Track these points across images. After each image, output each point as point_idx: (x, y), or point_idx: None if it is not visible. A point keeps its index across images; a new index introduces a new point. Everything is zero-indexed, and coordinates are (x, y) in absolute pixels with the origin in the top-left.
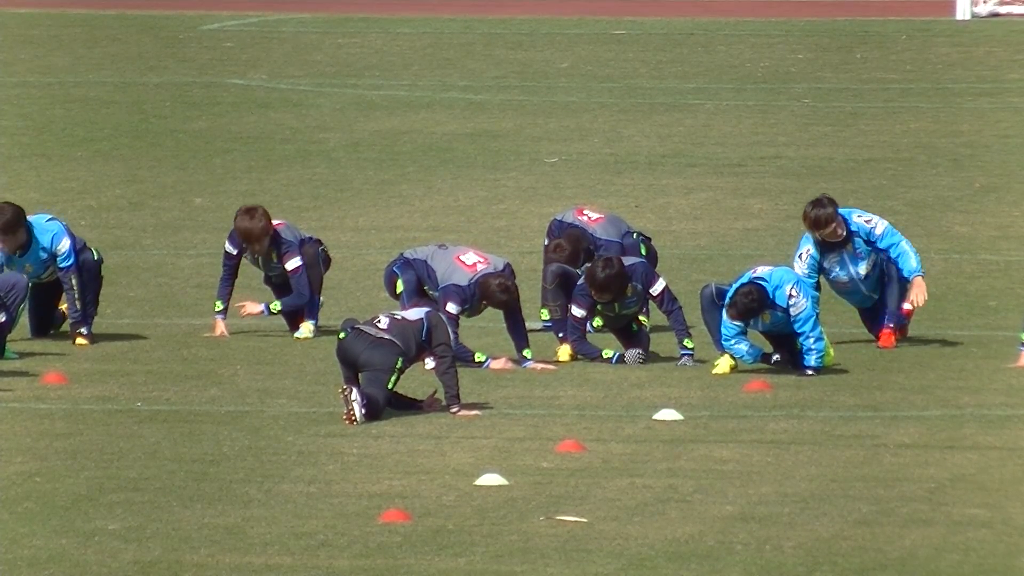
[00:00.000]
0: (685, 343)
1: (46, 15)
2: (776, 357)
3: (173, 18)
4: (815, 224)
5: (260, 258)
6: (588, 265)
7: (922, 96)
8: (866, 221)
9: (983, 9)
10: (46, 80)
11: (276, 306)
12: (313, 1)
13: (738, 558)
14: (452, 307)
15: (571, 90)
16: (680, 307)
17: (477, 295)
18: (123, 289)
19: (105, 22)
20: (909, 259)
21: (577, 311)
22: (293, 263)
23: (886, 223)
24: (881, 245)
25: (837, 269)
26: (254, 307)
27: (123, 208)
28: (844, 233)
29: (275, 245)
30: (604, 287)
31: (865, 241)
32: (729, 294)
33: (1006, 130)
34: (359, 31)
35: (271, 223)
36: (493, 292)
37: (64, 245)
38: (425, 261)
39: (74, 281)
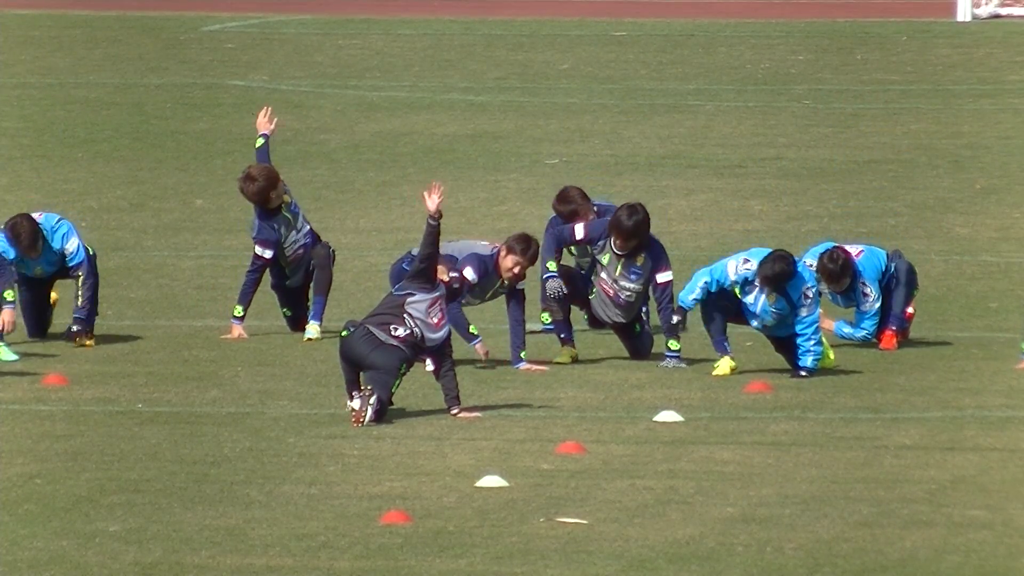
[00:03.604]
0: (671, 344)
1: (47, 16)
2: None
3: (174, 19)
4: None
5: (282, 226)
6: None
7: (923, 97)
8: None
9: (984, 11)
10: (47, 81)
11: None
12: (314, 2)
13: (739, 560)
14: (470, 273)
15: (572, 91)
16: (672, 308)
17: (493, 269)
18: (124, 290)
19: (106, 23)
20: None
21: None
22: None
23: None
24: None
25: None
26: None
27: (124, 209)
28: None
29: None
30: (631, 233)
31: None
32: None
33: (1007, 131)
34: (360, 32)
35: (274, 172)
36: (508, 264)
37: (72, 244)
38: None
39: (83, 276)
